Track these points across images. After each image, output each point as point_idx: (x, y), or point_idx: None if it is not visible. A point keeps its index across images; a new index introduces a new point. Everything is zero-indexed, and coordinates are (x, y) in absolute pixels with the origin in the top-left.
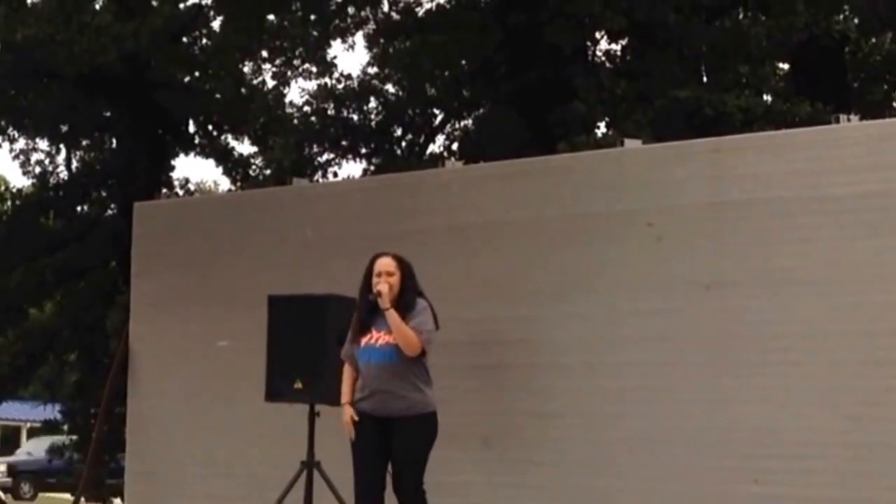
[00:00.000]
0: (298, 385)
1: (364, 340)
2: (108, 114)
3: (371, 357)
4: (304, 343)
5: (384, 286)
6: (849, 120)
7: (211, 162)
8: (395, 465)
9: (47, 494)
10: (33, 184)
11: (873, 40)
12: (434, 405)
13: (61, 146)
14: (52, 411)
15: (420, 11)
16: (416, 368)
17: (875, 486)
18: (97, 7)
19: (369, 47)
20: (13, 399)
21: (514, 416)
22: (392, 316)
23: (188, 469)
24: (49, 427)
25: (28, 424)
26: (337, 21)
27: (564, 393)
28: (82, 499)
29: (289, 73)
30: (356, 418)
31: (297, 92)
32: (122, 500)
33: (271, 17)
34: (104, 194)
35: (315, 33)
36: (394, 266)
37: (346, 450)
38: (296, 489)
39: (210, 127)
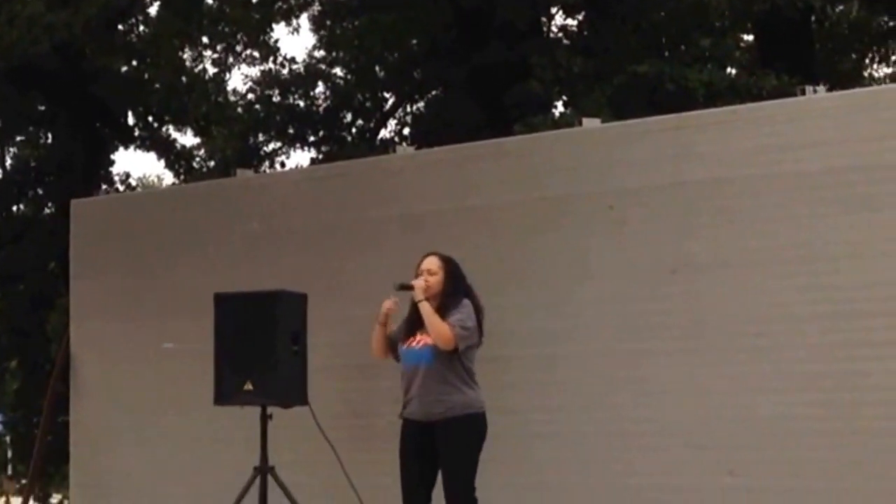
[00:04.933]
0: (249, 386)
1: (408, 343)
2: (43, 108)
3: (409, 359)
4: (254, 342)
5: (419, 281)
6: (815, 92)
7: (153, 155)
8: (441, 471)
9: None
10: None
11: (840, 8)
12: (478, 406)
13: None
14: None
15: None
16: (455, 369)
17: (857, 476)
18: None
19: (315, 30)
20: None
21: None
22: (424, 308)
23: (136, 479)
24: None
25: None
26: (280, 3)
27: (525, 387)
28: None
29: (230, 59)
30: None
31: (240, 79)
32: None
33: (210, 0)
34: (41, 192)
35: (257, 16)
36: (437, 265)
37: (301, 454)
38: (250, 496)
39: (150, 118)
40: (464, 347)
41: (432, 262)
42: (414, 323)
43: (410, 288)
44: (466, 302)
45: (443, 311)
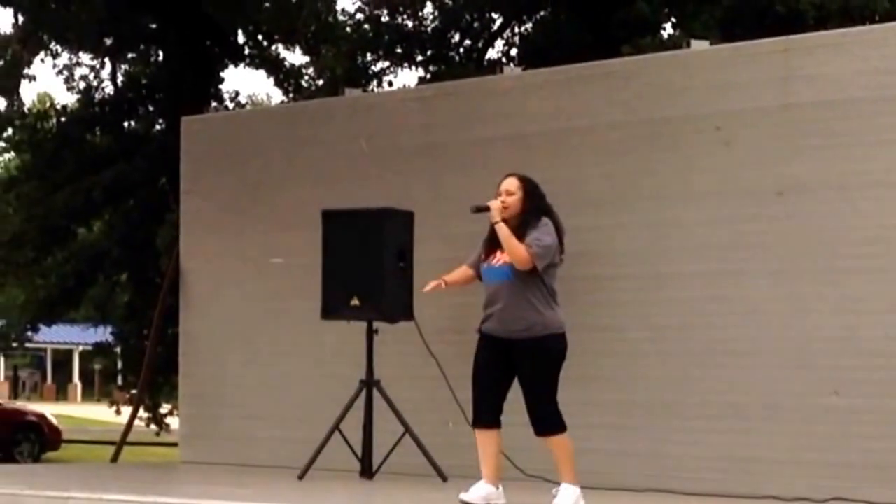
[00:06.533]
0: (355, 302)
1: (488, 261)
2: (154, 25)
3: (490, 277)
4: (361, 258)
5: (495, 202)
6: None
7: (262, 74)
8: (523, 392)
9: None
10: (78, 100)
11: None
12: (557, 326)
13: (106, 60)
14: (103, 333)
15: None
16: (535, 288)
17: None
18: None
19: None
20: (63, 322)
21: (579, 331)
22: (501, 229)
23: (243, 390)
24: (100, 350)
25: (80, 348)
26: None
27: (631, 305)
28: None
29: None
30: (428, 288)
31: None
32: None
33: None
34: (151, 109)
35: None
36: (515, 185)
37: (406, 368)
38: (355, 409)
39: (259, 37)
40: (542, 266)
41: (511, 183)
42: (494, 241)
43: (486, 209)
44: (546, 220)
45: (522, 229)
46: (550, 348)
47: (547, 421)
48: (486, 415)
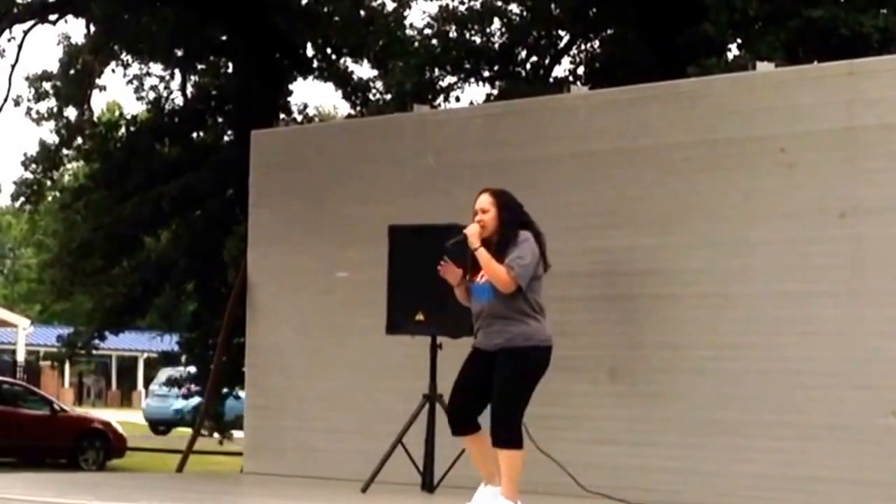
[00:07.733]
0: (420, 317)
1: (473, 279)
2: (224, 38)
3: (476, 295)
4: (426, 274)
5: (471, 226)
6: None
7: (330, 86)
8: (492, 396)
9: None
10: (148, 110)
11: None
12: (540, 338)
13: (176, 71)
14: (169, 342)
15: None
16: (518, 302)
17: None
18: None
19: None
20: (130, 329)
21: (641, 348)
22: (481, 255)
23: (308, 402)
24: (166, 358)
25: (145, 355)
26: None
27: (693, 324)
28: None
29: None
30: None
31: (418, 14)
32: None
33: None
34: (220, 120)
35: None
36: (488, 202)
37: None
38: (418, 423)
39: (328, 50)
40: (525, 285)
41: (484, 200)
42: (476, 262)
43: (465, 239)
44: (525, 234)
45: (502, 245)
46: (530, 359)
47: (505, 433)
48: (460, 425)
